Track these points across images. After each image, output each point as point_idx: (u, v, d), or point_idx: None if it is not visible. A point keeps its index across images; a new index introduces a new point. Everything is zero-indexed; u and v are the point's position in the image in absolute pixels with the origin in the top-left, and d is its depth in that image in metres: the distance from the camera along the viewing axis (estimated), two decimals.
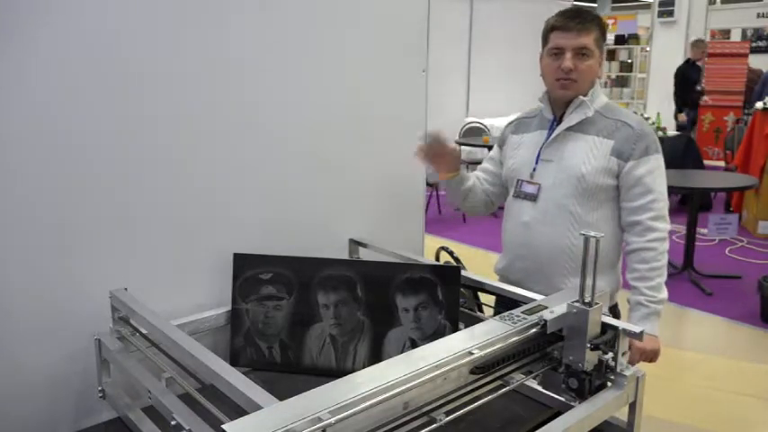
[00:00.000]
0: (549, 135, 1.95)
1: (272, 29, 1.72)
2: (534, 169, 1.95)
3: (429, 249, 2.38)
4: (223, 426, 0.89)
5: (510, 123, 2.15)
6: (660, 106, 8.88)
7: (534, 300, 1.41)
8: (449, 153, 2.02)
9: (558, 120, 1.95)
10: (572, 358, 1.28)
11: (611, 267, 1.96)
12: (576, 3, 9.88)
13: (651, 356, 1.81)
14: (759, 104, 6.30)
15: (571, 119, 1.90)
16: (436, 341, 1.18)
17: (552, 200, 1.90)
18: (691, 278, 4.94)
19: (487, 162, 2.20)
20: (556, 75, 1.87)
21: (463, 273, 1.66)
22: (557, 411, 1.39)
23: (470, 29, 8.54)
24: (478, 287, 1.71)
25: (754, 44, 10.43)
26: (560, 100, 1.93)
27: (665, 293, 1.86)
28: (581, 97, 1.89)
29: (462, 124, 8.10)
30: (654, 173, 1.86)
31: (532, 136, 2.01)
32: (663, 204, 1.87)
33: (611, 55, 11.82)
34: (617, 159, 1.85)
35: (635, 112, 2.72)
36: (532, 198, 1.94)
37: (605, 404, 1.26)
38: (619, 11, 13.91)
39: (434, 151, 1.99)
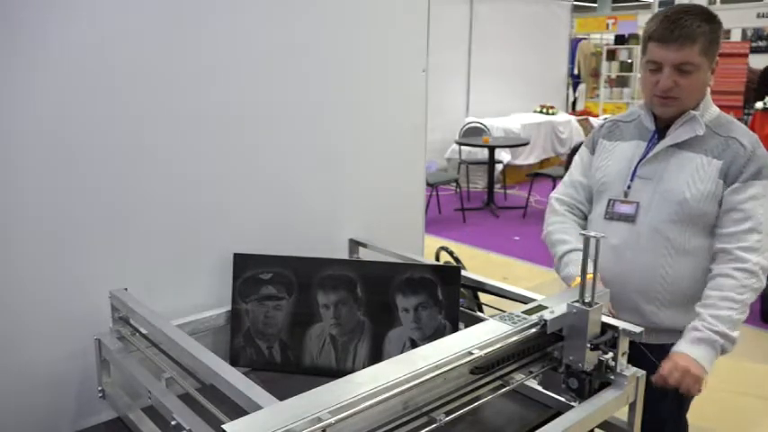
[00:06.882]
0: (649, 149, 1.70)
1: (272, 30, 1.71)
2: (629, 186, 1.70)
3: (429, 249, 2.38)
4: (223, 426, 0.90)
5: (601, 127, 1.87)
6: None
7: (534, 299, 1.41)
8: None
9: (660, 132, 1.70)
10: (572, 358, 1.28)
11: None
12: (576, 2, 9.88)
13: (688, 379, 1.52)
14: (759, 104, 6.29)
15: (678, 134, 1.65)
16: (436, 341, 1.18)
17: (647, 223, 1.66)
18: None
19: (579, 174, 1.87)
20: (654, 91, 1.64)
21: (463, 273, 1.66)
22: (557, 411, 1.39)
23: (470, 29, 8.53)
24: (478, 287, 1.71)
25: (754, 44, 10.41)
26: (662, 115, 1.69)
27: (735, 332, 1.55)
28: (691, 111, 1.64)
29: (462, 124, 8.09)
30: (759, 200, 1.59)
31: (628, 146, 1.75)
32: (761, 237, 1.58)
33: (612, 55, 11.82)
34: (723, 183, 1.61)
35: None
36: (629, 219, 1.68)
37: (605, 404, 1.26)
38: (619, 11, 13.92)
39: None
